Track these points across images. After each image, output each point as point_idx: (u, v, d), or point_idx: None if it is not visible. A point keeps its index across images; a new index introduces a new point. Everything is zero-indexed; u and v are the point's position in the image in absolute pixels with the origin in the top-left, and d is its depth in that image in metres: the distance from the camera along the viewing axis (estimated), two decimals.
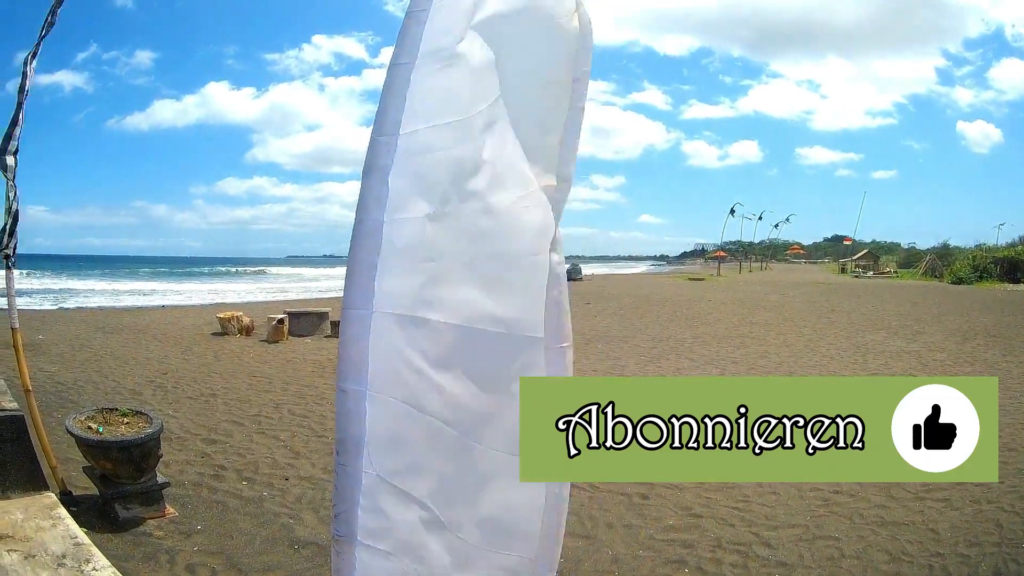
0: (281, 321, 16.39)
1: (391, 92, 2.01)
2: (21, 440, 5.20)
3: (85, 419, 5.84)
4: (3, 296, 5.72)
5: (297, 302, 28.69)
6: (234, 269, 76.82)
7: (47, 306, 28.53)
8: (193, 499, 6.07)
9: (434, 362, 2.00)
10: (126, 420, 5.92)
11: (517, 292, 2.12)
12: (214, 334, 16.92)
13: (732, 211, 75.19)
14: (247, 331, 17.06)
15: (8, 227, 5.46)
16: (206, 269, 74.65)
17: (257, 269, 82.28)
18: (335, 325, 16.75)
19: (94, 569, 4.02)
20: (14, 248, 5.54)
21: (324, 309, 18.58)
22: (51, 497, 5.10)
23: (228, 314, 17.66)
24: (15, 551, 4.13)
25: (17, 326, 5.74)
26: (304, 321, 17.37)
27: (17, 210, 5.53)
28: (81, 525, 4.78)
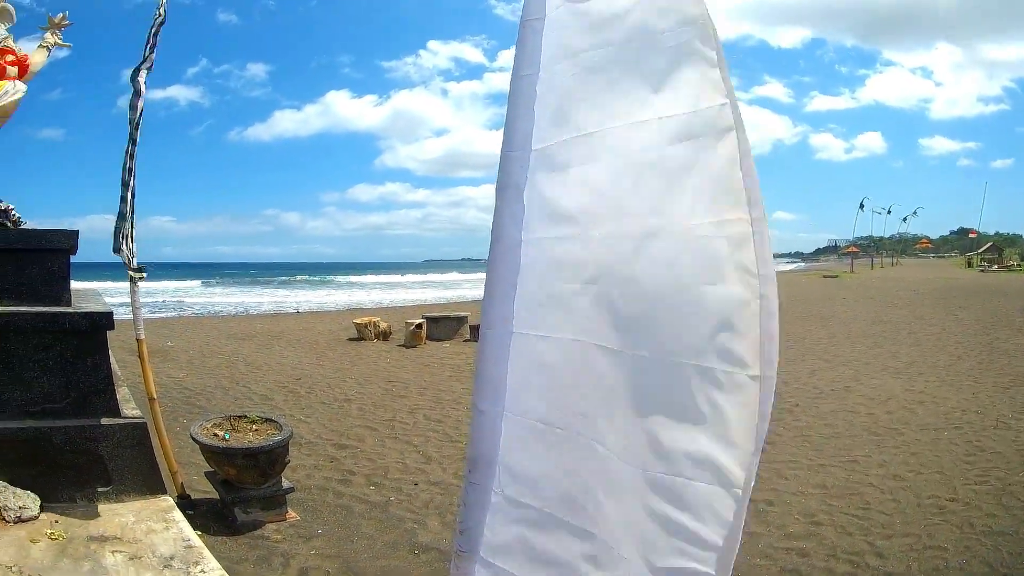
0: (419, 326, 16.33)
1: (517, 106, 1.97)
2: (142, 446, 5.25)
3: (212, 426, 5.85)
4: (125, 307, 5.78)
5: (435, 306, 28.58)
6: (370, 275, 78.35)
7: (176, 313, 29.12)
8: (318, 503, 5.99)
9: (575, 383, 1.94)
10: (255, 427, 5.90)
11: (671, 319, 1.92)
12: (350, 339, 17.03)
13: (861, 205, 74.11)
14: (384, 336, 17.08)
15: (129, 246, 5.56)
16: (341, 275, 76.45)
17: (394, 274, 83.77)
18: (474, 329, 16.67)
19: (202, 571, 3.96)
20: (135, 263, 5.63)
21: (463, 313, 18.36)
22: (167, 501, 5.12)
23: (365, 319, 17.73)
24: (120, 552, 4.11)
25: (143, 336, 5.81)
26: (442, 325, 17.25)
27: (131, 231, 5.63)
28: (197, 528, 4.78)
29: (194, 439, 5.62)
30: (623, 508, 1.94)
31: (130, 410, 5.57)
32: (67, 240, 5.77)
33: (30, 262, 5.64)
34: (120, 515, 4.74)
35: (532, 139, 1.95)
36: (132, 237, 5.67)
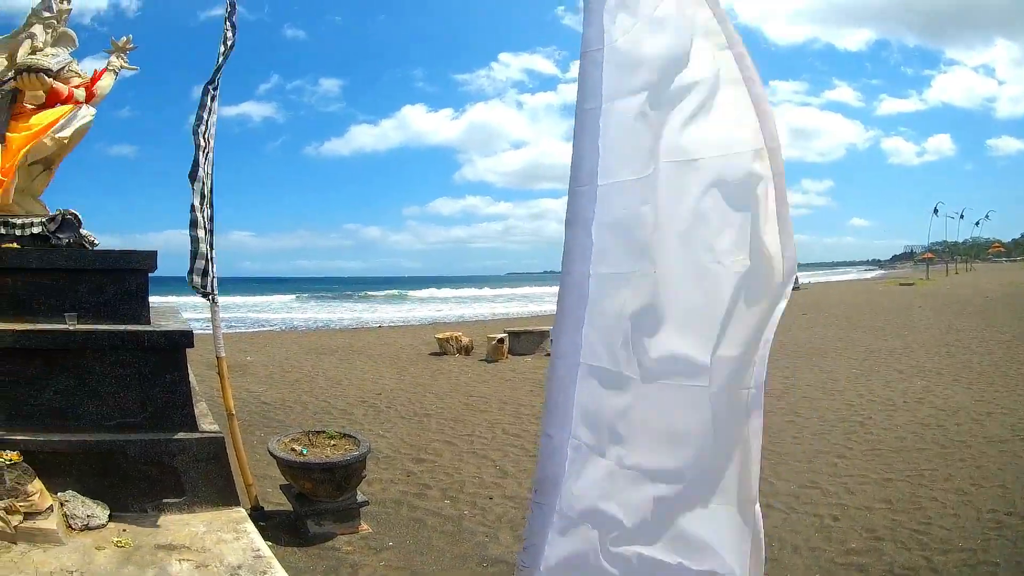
0: (501, 340, 16.28)
1: (583, 140, 1.99)
2: (218, 460, 5.35)
3: (289, 441, 5.93)
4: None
5: (516, 320, 28.61)
6: (448, 289, 78.44)
7: (256, 328, 29.03)
8: (391, 517, 6.00)
9: (637, 418, 2.06)
10: (333, 442, 5.95)
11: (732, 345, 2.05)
12: (432, 354, 17.07)
13: (935, 210, 71.26)
14: (466, 351, 17.04)
15: (203, 267, 5.60)
16: (423, 289, 76.72)
17: (475, 288, 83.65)
18: None
19: None
20: (212, 284, 5.68)
21: (544, 327, 18.09)
22: (240, 512, 5.20)
23: (447, 334, 17.75)
24: (187, 560, 4.18)
25: (223, 355, 5.95)
26: (524, 340, 17.17)
27: (208, 249, 5.66)
28: (268, 539, 4.84)
29: (272, 453, 5.72)
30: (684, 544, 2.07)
31: (207, 424, 5.70)
32: (145, 260, 6.04)
33: (109, 281, 5.96)
34: (190, 525, 4.83)
35: (598, 175, 1.98)
36: (210, 259, 5.70)
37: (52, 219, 6.35)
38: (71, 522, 4.63)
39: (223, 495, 5.34)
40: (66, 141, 6.85)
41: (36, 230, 6.33)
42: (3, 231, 6.27)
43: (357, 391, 12.14)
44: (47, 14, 7.03)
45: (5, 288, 5.84)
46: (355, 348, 18.77)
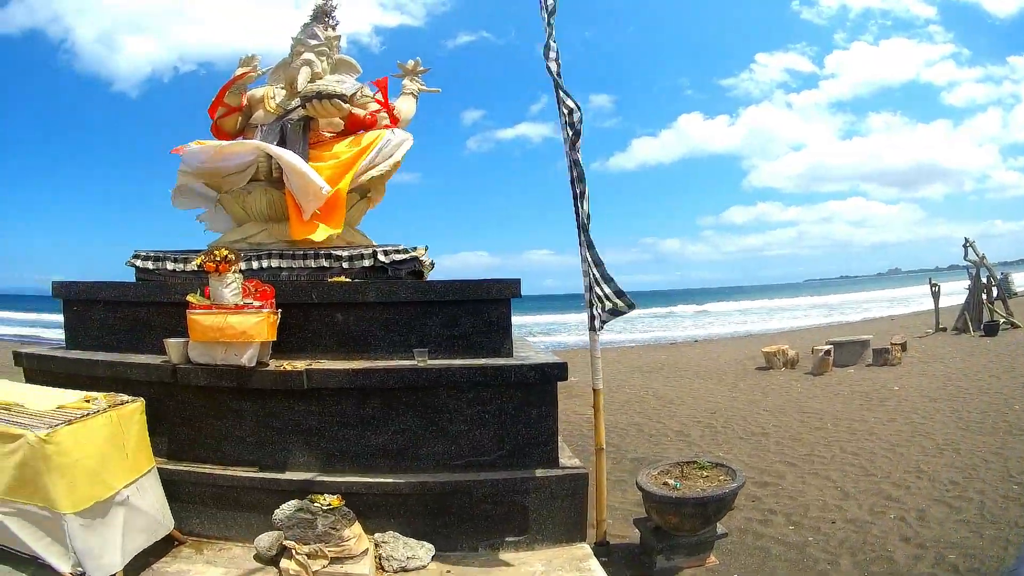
0: (828, 352, 15.72)
1: None
2: (575, 496, 5.24)
3: (658, 473, 5.71)
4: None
5: (822, 329, 27.71)
6: (745, 300, 75.68)
7: (567, 346, 28.20)
8: (737, 546, 5.79)
9: None
10: (705, 473, 5.71)
11: None
12: (758, 368, 16.69)
13: None
14: (791, 364, 16.61)
15: (600, 294, 5.33)
16: (725, 301, 74.60)
17: (776, 298, 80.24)
18: (877, 353, 16.02)
19: None
20: (603, 311, 5.38)
21: (865, 336, 17.47)
22: (584, 548, 5.13)
23: (774, 348, 17.34)
24: None
25: (600, 387, 5.61)
26: (845, 350, 16.47)
27: (595, 276, 5.34)
28: None
29: (641, 488, 5.43)
30: None
31: (567, 459, 5.52)
32: (507, 289, 5.76)
33: (464, 313, 5.74)
34: (527, 564, 4.81)
35: None
36: (600, 280, 5.32)
37: (397, 251, 6.39)
38: (385, 564, 4.69)
39: (569, 531, 5.23)
40: (397, 167, 6.92)
41: (368, 263, 6.33)
42: (327, 264, 6.30)
43: (690, 410, 11.89)
44: (313, 42, 7.20)
45: (335, 324, 5.79)
46: (679, 364, 18.56)
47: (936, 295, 22.67)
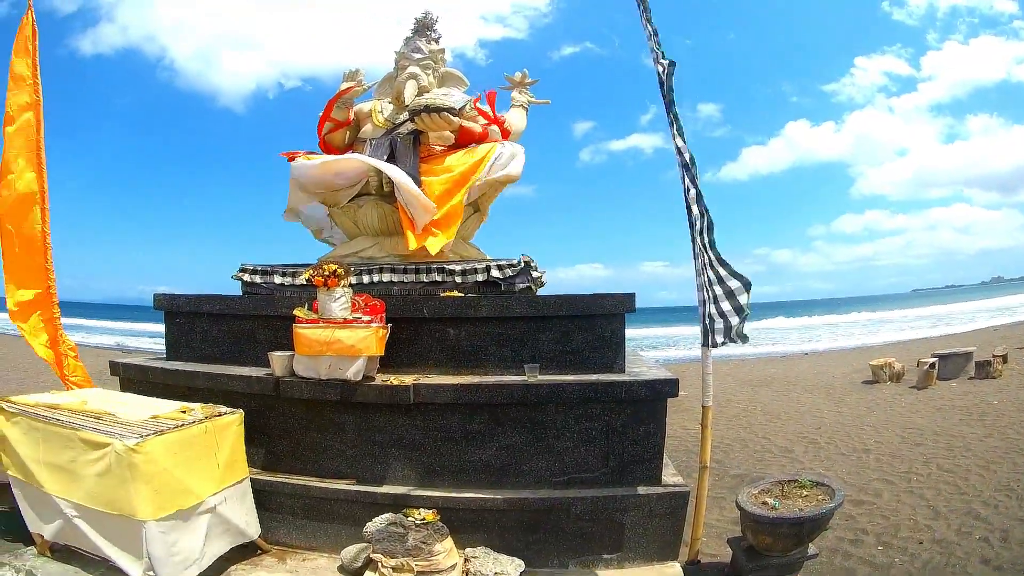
0: (932, 365, 15.26)
1: None
2: (674, 514, 5.17)
3: (759, 492, 5.46)
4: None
5: (925, 341, 27.10)
6: (854, 312, 73.39)
7: (678, 359, 28.21)
8: (825, 567, 5.66)
9: None
10: (804, 492, 5.42)
11: None
12: (864, 382, 16.29)
13: None
14: (897, 377, 16.14)
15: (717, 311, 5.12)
16: (837, 313, 72.65)
17: (883, 309, 77.61)
18: (979, 366, 15.48)
19: None
20: (720, 331, 5.14)
21: (969, 348, 16.83)
22: (674, 567, 5.08)
23: (881, 361, 16.85)
24: None
25: (710, 404, 5.44)
26: (949, 363, 15.97)
27: (716, 293, 5.10)
28: None
29: (740, 507, 5.22)
30: None
31: (670, 476, 5.45)
32: (621, 304, 5.67)
33: (576, 328, 5.67)
34: None
35: None
36: (714, 299, 5.11)
37: (511, 265, 6.36)
38: None
39: (663, 550, 5.17)
40: (513, 179, 6.89)
41: (481, 277, 6.32)
42: (439, 278, 6.29)
43: (796, 425, 11.66)
44: (418, 55, 7.23)
45: (446, 339, 5.79)
46: (790, 378, 18.21)
47: None
